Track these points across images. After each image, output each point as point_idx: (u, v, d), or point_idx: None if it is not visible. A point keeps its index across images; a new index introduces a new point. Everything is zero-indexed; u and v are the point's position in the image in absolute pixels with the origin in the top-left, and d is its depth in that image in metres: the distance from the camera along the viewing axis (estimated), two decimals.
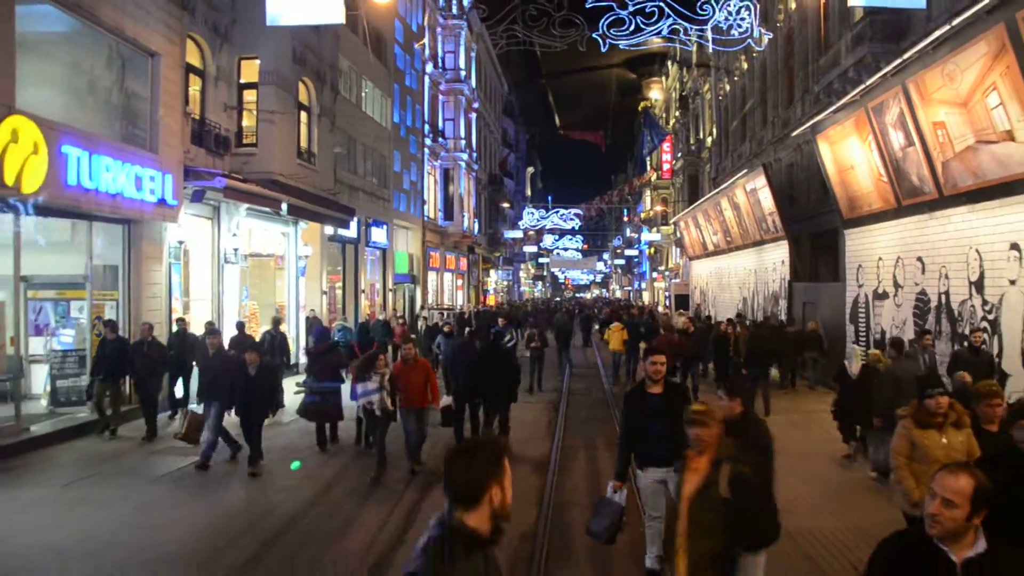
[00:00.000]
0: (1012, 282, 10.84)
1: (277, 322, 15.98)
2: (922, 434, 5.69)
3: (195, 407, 10.90)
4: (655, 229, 58.25)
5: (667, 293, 51.02)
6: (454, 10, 42.41)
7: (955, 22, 10.37)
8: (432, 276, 39.84)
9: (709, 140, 42.13)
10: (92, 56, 12.88)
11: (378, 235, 28.46)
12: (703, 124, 44.61)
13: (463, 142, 42.97)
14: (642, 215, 68.53)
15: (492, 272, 60.88)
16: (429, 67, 38.37)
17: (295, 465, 10.17)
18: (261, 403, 10.04)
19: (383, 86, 29.27)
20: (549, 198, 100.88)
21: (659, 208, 57.57)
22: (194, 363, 13.06)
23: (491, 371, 11.22)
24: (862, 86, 14.31)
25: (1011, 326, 10.85)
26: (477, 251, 51.31)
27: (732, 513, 4.18)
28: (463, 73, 43.17)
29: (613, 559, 6.78)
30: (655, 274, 62.70)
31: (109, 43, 12.90)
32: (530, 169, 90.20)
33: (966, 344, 11.02)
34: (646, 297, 66.82)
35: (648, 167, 62.65)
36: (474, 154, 46.20)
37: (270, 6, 14.50)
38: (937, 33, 10.99)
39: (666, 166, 55.42)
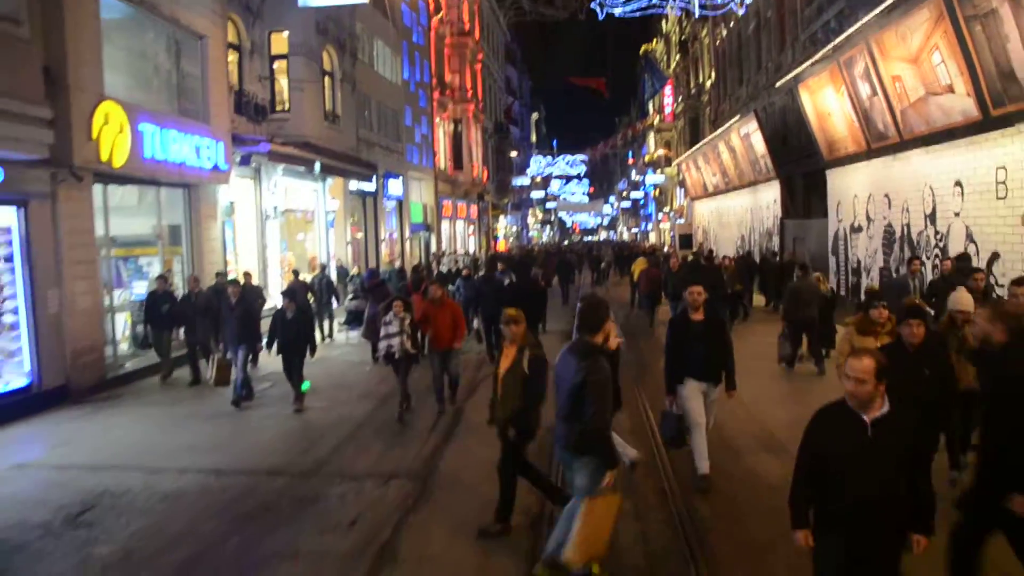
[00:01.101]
0: (956, 214, 12.67)
1: (323, 267, 18.05)
2: (861, 339, 7.16)
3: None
4: (659, 171, 59.59)
5: (672, 233, 52.76)
6: None
7: None
8: (445, 224, 41.65)
9: (708, 84, 43.33)
10: (154, 41, 14.63)
11: (394, 187, 30.20)
12: (702, 68, 45.67)
13: (469, 93, 44.32)
14: (646, 157, 69.74)
15: (501, 218, 62.54)
16: (435, 21, 39.60)
17: (305, 386, 11.04)
18: (299, 343, 10.88)
19: (393, 44, 30.67)
20: (554, 143, 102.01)
21: (662, 152, 58.80)
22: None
23: (522, 298, 13.18)
24: (834, 42, 15.92)
25: (955, 252, 12.69)
26: (486, 199, 52.89)
27: (529, 382, 6.06)
28: (467, 26, 44.31)
29: None
30: (661, 215, 64.16)
31: (167, 30, 14.62)
32: (534, 115, 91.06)
33: (939, 273, 12.21)
34: (652, 237, 68.42)
35: (651, 110, 63.79)
36: (480, 104, 47.51)
37: None
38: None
39: (668, 109, 56.54)
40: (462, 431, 9.50)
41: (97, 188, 12.65)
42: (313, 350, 11.30)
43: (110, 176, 12.68)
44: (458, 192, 43.94)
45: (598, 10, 17.50)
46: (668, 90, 55.62)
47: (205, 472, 7.94)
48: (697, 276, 13.17)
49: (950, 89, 11.96)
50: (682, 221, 49.32)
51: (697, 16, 27.85)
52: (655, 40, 66.03)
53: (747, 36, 32.30)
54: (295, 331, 10.84)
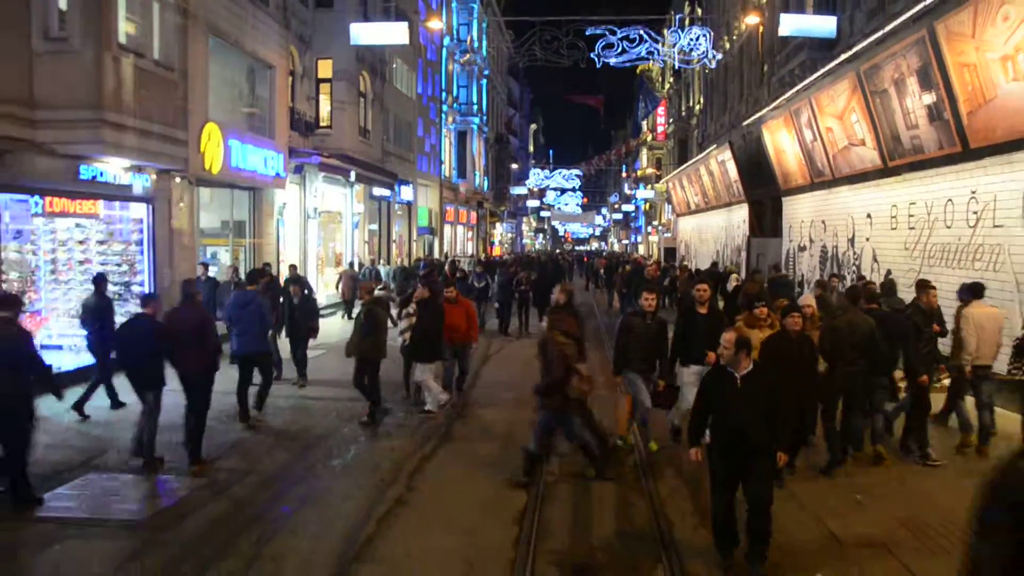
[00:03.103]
0: (867, 239, 16.21)
1: (372, 261, 21.70)
2: (748, 331, 10.45)
3: None
4: (650, 186, 63.15)
5: (659, 246, 56.34)
6: None
7: (828, 67, 15.53)
8: (447, 229, 45.07)
9: (697, 108, 46.95)
10: (237, 71, 18.06)
11: (406, 193, 33.53)
12: (693, 92, 49.29)
13: (475, 107, 47.77)
14: (638, 172, 73.31)
15: (498, 225, 66.02)
16: (446, 40, 43.02)
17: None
18: (303, 326, 12.15)
19: (410, 62, 34.09)
20: (551, 152, 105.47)
21: (651, 171, 62.40)
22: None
23: (542, 286, 17.45)
24: (787, 95, 19.47)
25: (867, 269, 16.23)
26: (485, 206, 56.33)
27: (364, 325, 9.76)
28: (476, 44, 47.79)
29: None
30: (650, 228, 67.66)
31: (247, 61, 18.04)
32: (533, 126, 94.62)
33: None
34: (641, 249, 71.90)
35: (644, 128, 67.47)
36: (484, 117, 50.97)
37: (353, 30, 19.77)
38: (823, 69, 16.17)
39: (660, 128, 60.16)
40: (478, 386, 12.92)
41: (194, 190, 16.00)
42: (314, 334, 12.39)
43: (206, 181, 16.05)
44: (460, 199, 47.33)
45: (596, 59, 21.09)
46: (661, 110, 59.26)
47: (309, 398, 11.42)
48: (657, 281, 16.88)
49: (863, 143, 15.50)
50: (668, 235, 52.81)
51: (677, 68, 31.41)
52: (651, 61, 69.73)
53: (732, 68, 35.89)
54: (300, 315, 12.14)
